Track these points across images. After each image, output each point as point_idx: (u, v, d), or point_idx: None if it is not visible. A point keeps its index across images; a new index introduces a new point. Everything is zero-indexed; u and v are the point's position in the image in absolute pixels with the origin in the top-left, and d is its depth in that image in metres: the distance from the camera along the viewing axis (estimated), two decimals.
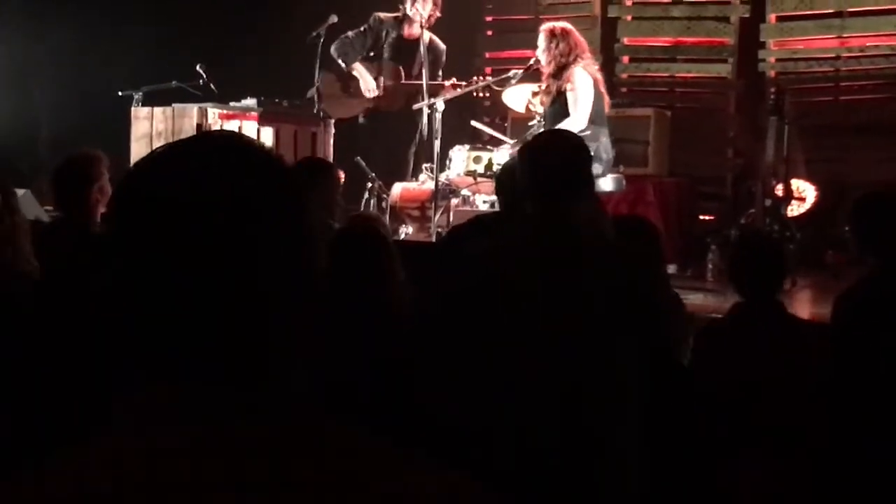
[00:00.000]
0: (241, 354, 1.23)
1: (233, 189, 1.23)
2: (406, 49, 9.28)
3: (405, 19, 9.26)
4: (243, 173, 1.26)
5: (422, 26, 9.02)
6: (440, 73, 9.29)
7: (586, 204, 3.18)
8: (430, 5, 9.08)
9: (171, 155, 1.29)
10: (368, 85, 9.31)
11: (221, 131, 1.35)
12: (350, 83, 9.38)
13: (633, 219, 4.96)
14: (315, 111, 9.24)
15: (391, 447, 1.24)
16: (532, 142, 3.44)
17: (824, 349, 4.20)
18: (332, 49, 9.32)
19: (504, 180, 5.08)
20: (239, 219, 1.22)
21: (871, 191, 4.65)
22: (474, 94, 9.09)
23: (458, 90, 8.87)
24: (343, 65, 9.34)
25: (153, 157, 1.29)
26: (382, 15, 9.41)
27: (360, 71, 9.33)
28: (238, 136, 1.37)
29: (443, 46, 9.33)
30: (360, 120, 9.49)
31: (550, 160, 3.13)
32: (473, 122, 9.15)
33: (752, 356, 4.09)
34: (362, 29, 9.41)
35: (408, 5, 9.15)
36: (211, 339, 1.22)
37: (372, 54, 9.40)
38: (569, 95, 7.85)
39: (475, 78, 9.12)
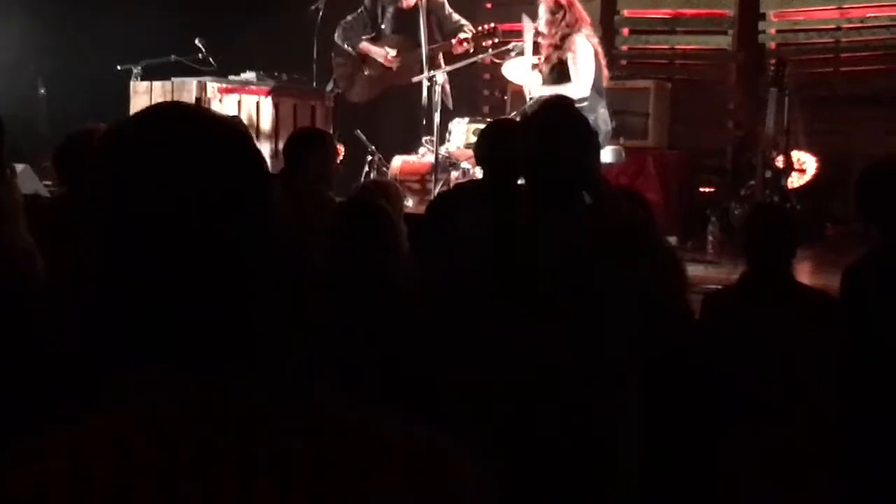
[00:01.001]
0: (226, 330, 1.23)
1: (195, 165, 1.23)
2: (407, 19, 9.20)
3: None
4: (205, 149, 1.25)
5: None
6: (456, 19, 9.19)
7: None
8: None
9: (136, 134, 1.28)
10: (382, 55, 9.25)
11: (177, 104, 1.33)
12: (362, 66, 9.34)
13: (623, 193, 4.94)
14: (330, 90, 9.23)
15: (382, 414, 1.25)
16: (537, 120, 3.39)
17: (836, 319, 4.19)
18: (336, 37, 9.31)
19: (484, 148, 5.06)
20: (206, 194, 1.22)
21: (877, 161, 4.61)
22: (482, 43, 9.03)
23: (463, 51, 8.79)
24: (350, 49, 9.30)
25: (118, 137, 1.29)
26: None
27: (368, 48, 9.29)
28: (195, 110, 1.37)
29: (441, 0, 9.23)
30: (375, 96, 9.42)
31: (558, 147, 3.11)
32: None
33: (762, 325, 4.09)
34: (359, 10, 9.37)
35: None
36: (195, 316, 1.22)
37: (374, 34, 9.35)
38: (569, 61, 7.83)
39: (480, 29, 9.01)
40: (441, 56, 8.89)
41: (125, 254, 1.23)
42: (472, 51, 8.90)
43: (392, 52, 9.19)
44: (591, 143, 3.22)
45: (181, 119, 1.29)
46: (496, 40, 8.86)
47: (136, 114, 1.32)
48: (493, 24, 9.02)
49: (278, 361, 1.26)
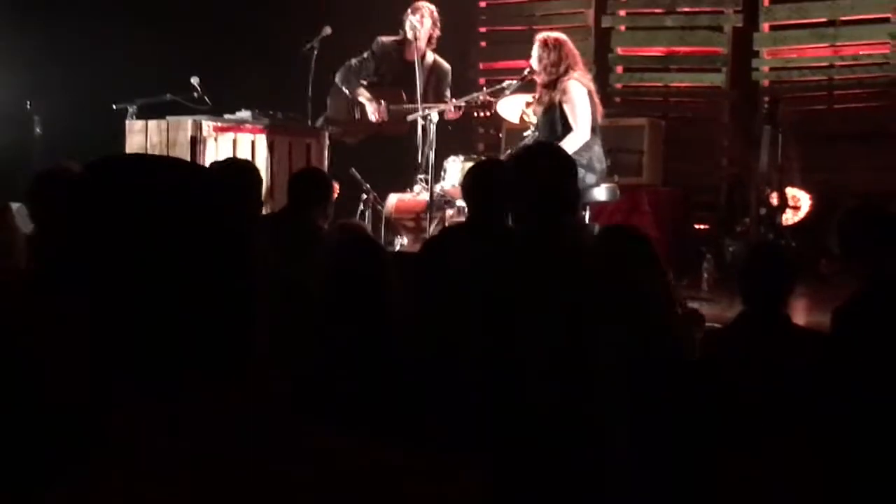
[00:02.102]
0: (211, 357, 1.24)
1: (167, 206, 1.25)
2: (408, 72, 9.25)
3: (406, 42, 9.26)
4: (177, 189, 1.27)
5: (418, 49, 9.01)
6: (447, 92, 9.26)
7: (570, 217, 3.15)
8: (428, 23, 9.08)
9: (117, 180, 1.30)
10: (371, 109, 9.30)
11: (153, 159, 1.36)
12: (356, 109, 9.38)
13: (623, 227, 4.96)
14: (314, 126, 9.27)
15: (363, 443, 1.26)
16: (519, 156, 3.41)
17: (827, 362, 4.21)
18: (337, 78, 9.37)
19: (471, 186, 5.07)
20: (180, 233, 1.23)
21: (855, 205, 4.68)
22: (474, 113, 9.11)
23: (460, 111, 8.85)
24: (347, 92, 9.34)
25: (99, 182, 1.30)
26: (384, 39, 9.41)
27: (363, 95, 9.33)
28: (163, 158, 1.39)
29: (447, 67, 9.32)
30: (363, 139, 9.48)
31: (539, 176, 3.11)
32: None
33: (758, 365, 4.10)
34: (365, 55, 9.43)
35: (406, 27, 9.15)
36: (181, 343, 1.23)
37: (375, 79, 9.40)
38: (566, 108, 7.87)
39: (474, 100, 9.06)
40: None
41: (104, 294, 1.23)
42: (461, 115, 8.96)
43: (379, 108, 9.23)
44: (571, 173, 3.22)
45: (161, 167, 1.31)
46: (489, 113, 8.94)
47: (124, 156, 1.34)
48: (488, 97, 9.08)
49: (261, 387, 1.27)
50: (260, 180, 6.11)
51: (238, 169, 5.93)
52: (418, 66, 8.91)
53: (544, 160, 3.25)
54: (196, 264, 1.24)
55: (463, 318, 2.99)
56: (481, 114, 9.02)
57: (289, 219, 5.79)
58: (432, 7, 9.14)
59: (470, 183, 5.07)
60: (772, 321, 4.23)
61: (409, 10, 9.17)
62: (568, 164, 3.23)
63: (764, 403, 4.05)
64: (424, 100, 8.88)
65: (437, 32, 9.16)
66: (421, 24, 9.04)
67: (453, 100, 9.00)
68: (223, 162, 6.85)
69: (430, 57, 9.19)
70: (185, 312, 1.23)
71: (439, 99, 9.07)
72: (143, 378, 1.24)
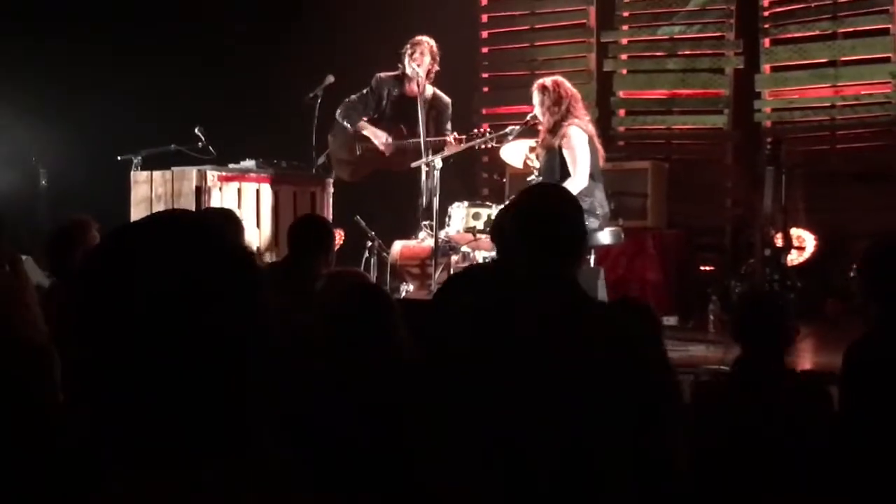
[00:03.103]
0: (215, 427, 1.24)
1: (187, 274, 1.25)
2: (409, 106, 9.26)
3: (405, 77, 9.28)
4: (197, 257, 1.27)
5: (419, 84, 9.03)
6: (448, 126, 9.27)
7: (576, 262, 3.11)
8: (427, 59, 9.09)
9: (128, 241, 1.31)
10: (381, 139, 9.28)
11: (176, 212, 1.36)
12: (356, 146, 9.38)
13: (629, 300, 4.94)
14: (314, 171, 9.29)
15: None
16: (522, 198, 3.37)
17: (827, 404, 4.19)
18: (338, 114, 9.37)
19: (495, 229, 5.09)
20: (195, 302, 1.24)
21: (880, 239, 4.63)
22: (476, 147, 9.11)
23: (462, 145, 8.85)
24: (349, 127, 9.36)
25: (112, 246, 1.31)
26: (383, 74, 9.42)
27: (367, 129, 9.34)
28: (191, 217, 1.39)
29: (447, 100, 9.31)
30: (365, 176, 9.46)
31: (540, 218, 3.08)
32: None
33: (751, 412, 4.09)
34: (364, 91, 9.43)
35: (406, 62, 9.18)
36: (183, 413, 1.23)
37: (376, 115, 9.41)
38: (566, 154, 7.90)
39: (476, 131, 9.08)
40: (431, 149, 8.92)
41: (113, 349, 1.24)
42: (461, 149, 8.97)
43: (387, 138, 9.25)
44: (575, 212, 3.17)
45: (174, 228, 1.31)
46: (490, 145, 8.95)
47: (134, 223, 1.35)
48: (486, 127, 9.10)
49: (264, 454, 1.27)
50: (241, 226, 6.12)
51: (218, 217, 5.94)
52: (420, 101, 8.93)
53: (543, 202, 3.21)
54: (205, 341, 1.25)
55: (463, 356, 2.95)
56: (485, 146, 8.99)
57: (290, 268, 5.79)
58: (431, 42, 9.15)
59: (493, 226, 5.09)
60: (766, 366, 4.22)
61: (408, 45, 9.19)
62: (571, 205, 3.19)
63: (762, 453, 4.03)
64: (426, 133, 8.89)
65: (437, 67, 9.16)
66: (421, 60, 9.05)
67: (455, 133, 9.02)
68: (201, 213, 6.89)
69: (430, 90, 9.19)
70: (188, 388, 1.24)
71: (440, 132, 9.08)
72: (141, 454, 1.24)
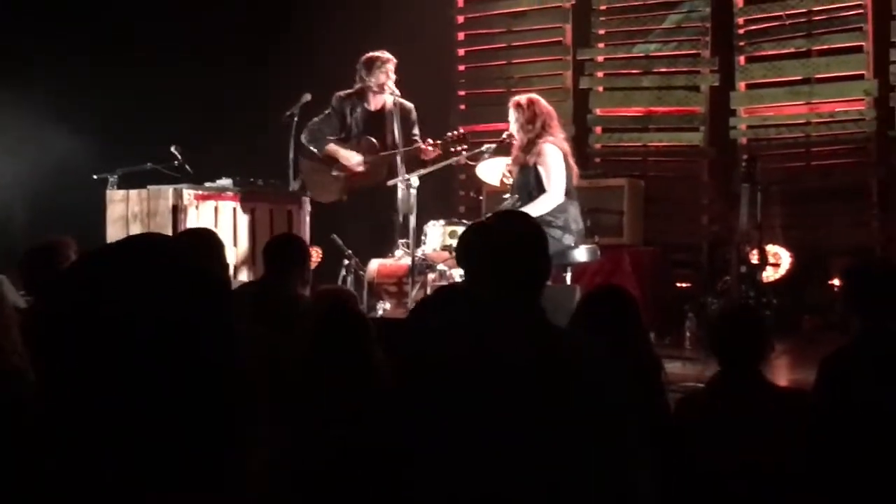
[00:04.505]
0: (191, 458, 1.23)
1: (156, 302, 1.24)
2: (375, 120, 9.24)
3: (364, 92, 9.24)
4: (166, 285, 1.27)
5: (395, 98, 9.01)
6: (416, 131, 9.23)
7: (539, 290, 3.09)
8: (381, 75, 9.06)
9: (96, 268, 1.30)
10: (351, 159, 9.20)
11: (148, 237, 1.35)
12: (329, 167, 9.32)
13: (608, 288, 4.96)
14: (291, 190, 9.27)
15: None
16: (485, 225, 3.35)
17: (805, 418, 4.22)
18: (303, 139, 9.27)
19: (460, 252, 5.07)
20: (164, 330, 1.23)
21: (862, 259, 4.76)
22: (452, 164, 9.10)
23: (438, 163, 8.83)
24: (317, 152, 9.30)
25: (82, 274, 1.30)
26: (342, 93, 9.33)
27: (335, 150, 9.27)
28: (164, 243, 1.38)
29: (410, 105, 9.21)
30: (343, 198, 9.41)
31: (503, 247, 3.06)
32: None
33: (731, 427, 4.10)
34: (327, 112, 9.37)
35: (363, 76, 9.14)
36: (159, 444, 1.22)
37: (343, 135, 9.36)
38: (541, 170, 7.93)
39: (450, 134, 9.05)
40: (404, 161, 8.91)
41: (78, 377, 1.23)
42: (440, 153, 8.93)
43: (358, 158, 9.20)
44: (541, 245, 3.16)
45: (147, 251, 1.31)
46: (465, 146, 8.91)
47: (108, 245, 1.34)
48: (461, 131, 9.09)
49: (241, 489, 1.26)
50: (221, 244, 6.10)
51: (198, 237, 5.92)
52: (395, 113, 8.91)
53: (503, 228, 3.20)
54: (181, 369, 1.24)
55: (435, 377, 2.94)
56: (457, 148, 8.95)
57: (266, 286, 5.78)
58: (388, 55, 9.12)
59: (458, 247, 5.08)
60: (744, 381, 4.24)
61: (363, 61, 9.15)
62: (533, 236, 3.17)
63: (738, 466, 4.04)
64: (395, 143, 8.87)
65: (393, 77, 9.10)
66: (387, 74, 9.03)
67: (428, 139, 8.99)
68: (176, 237, 6.88)
69: (390, 100, 9.15)
70: (164, 421, 1.23)
71: (409, 139, 9.05)
72: (112, 489, 1.23)
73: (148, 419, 1.22)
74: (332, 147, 9.26)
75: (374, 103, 9.23)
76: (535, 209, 7.66)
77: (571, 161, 8.12)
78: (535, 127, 8.01)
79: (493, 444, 2.70)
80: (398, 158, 8.77)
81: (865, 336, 4.39)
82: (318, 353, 3.97)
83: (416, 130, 9.19)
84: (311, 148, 9.29)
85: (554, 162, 7.92)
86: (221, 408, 1.27)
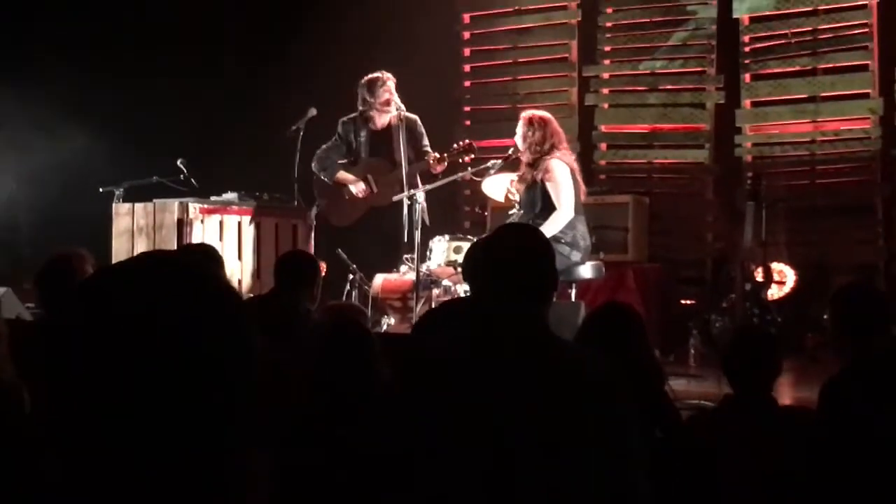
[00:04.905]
0: (188, 478, 1.23)
1: (173, 317, 1.25)
2: (382, 139, 9.22)
3: (367, 113, 9.21)
4: (182, 300, 1.27)
5: (400, 116, 8.98)
6: (425, 142, 9.19)
7: (547, 303, 3.09)
8: (384, 93, 9.03)
9: (115, 283, 1.30)
10: (357, 188, 9.18)
11: (163, 253, 1.36)
12: (344, 190, 9.26)
13: (612, 305, 4.97)
14: (315, 215, 9.25)
15: None
16: (492, 238, 3.35)
17: (815, 440, 4.21)
18: (313, 166, 9.23)
19: (467, 266, 5.09)
20: (182, 345, 1.23)
21: (847, 282, 4.75)
22: (458, 180, 9.11)
23: (442, 170, 8.82)
24: (327, 180, 9.26)
25: (97, 288, 1.30)
26: (346, 118, 9.29)
27: (344, 178, 9.22)
28: (177, 259, 1.38)
29: (414, 117, 9.12)
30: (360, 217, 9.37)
31: (510, 259, 3.06)
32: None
33: (743, 450, 4.09)
34: (334, 138, 9.33)
35: (366, 96, 9.11)
36: (154, 464, 1.22)
37: (351, 158, 9.34)
38: (549, 188, 7.92)
39: (456, 145, 9.03)
40: (418, 175, 8.90)
41: (99, 383, 1.23)
42: (446, 166, 8.92)
43: (362, 187, 9.16)
44: (549, 259, 3.16)
45: (163, 266, 1.31)
46: (472, 157, 8.90)
47: (124, 261, 1.34)
48: (468, 141, 9.08)
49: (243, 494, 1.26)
50: (221, 260, 6.10)
51: (196, 253, 5.92)
52: (402, 130, 8.88)
53: (512, 241, 3.20)
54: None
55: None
56: (465, 158, 8.94)
57: (275, 301, 5.78)
58: (387, 73, 9.09)
59: (465, 263, 5.08)
60: (758, 404, 4.24)
61: (365, 83, 9.11)
62: (542, 247, 3.17)
63: (751, 488, 4.04)
64: (408, 160, 8.83)
65: (394, 96, 9.05)
66: (389, 91, 9.00)
67: (435, 154, 8.96)
68: (181, 250, 6.88)
69: (395, 116, 9.10)
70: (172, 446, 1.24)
71: (419, 153, 9.02)
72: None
73: (157, 431, 1.22)
74: (341, 176, 9.21)
75: (379, 122, 9.19)
76: (549, 228, 7.64)
77: (579, 178, 8.11)
78: (543, 147, 8.01)
79: (493, 448, 2.70)
80: (403, 176, 8.74)
81: (862, 355, 4.39)
82: (323, 369, 3.98)
83: (425, 141, 9.16)
84: (322, 177, 9.23)
85: (562, 178, 7.91)
86: (232, 422, 1.27)
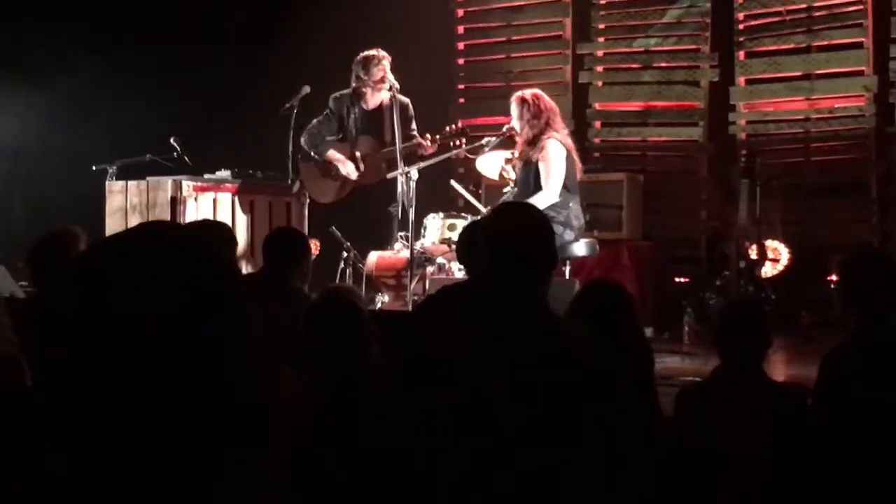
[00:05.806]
0: (180, 468, 1.23)
1: (167, 293, 1.24)
2: (373, 118, 9.20)
3: (361, 91, 9.20)
4: (178, 275, 1.26)
5: (394, 95, 8.94)
6: (413, 126, 9.15)
7: (546, 282, 3.08)
8: (379, 71, 8.99)
9: (108, 260, 1.29)
10: (347, 168, 9.13)
11: (158, 226, 1.34)
12: (329, 168, 9.22)
13: (602, 283, 4.97)
14: (294, 192, 9.22)
15: None
16: (491, 218, 3.34)
17: (805, 415, 4.22)
18: (302, 142, 9.14)
19: (463, 247, 5.08)
20: (175, 322, 1.22)
21: (855, 248, 4.70)
22: (452, 157, 9.08)
23: (437, 157, 8.80)
24: (317, 157, 9.21)
25: (90, 265, 1.29)
26: (338, 94, 9.24)
27: (334, 157, 9.19)
28: (171, 233, 1.36)
29: (406, 100, 9.11)
30: (342, 196, 9.34)
31: (510, 240, 3.04)
32: (452, 182, 9.06)
33: (733, 422, 4.10)
34: (325, 114, 9.29)
35: (354, 77, 9.09)
36: (151, 451, 1.21)
37: (341, 135, 9.31)
38: (541, 167, 7.91)
39: (449, 128, 9.03)
40: (402, 157, 8.85)
41: (94, 362, 1.22)
42: (436, 149, 8.89)
43: (352, 167, 9.12)
44: (545, 232, 3.14)
45: (159, 240, 1.30)
46: (465, 139, 8.88)
47: (117, 235, 1.32)
48: (461, 124, 9.06)
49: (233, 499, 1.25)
50: (234, 239, 6.07)
51: (211, 229, 5.90)
52: (395, 108, 8.83)
53: (511, 221, 3.18)
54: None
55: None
56: (456, 142, 8.92)
57: (266, 280, 5.75)
58: (383, 51, 9.05)
59: (459, 244, 5.08)
60: (747, 376, 4.24)
61: (360, 60, 9.07)
62: (541, 226, 3.15)
63: (742, 460, 4.05)
64: (395, 139, 8.80)
65: (388, 73, 9.01)
66: (384, 69, 8.96)
67: (427, 135, 8.94)
68: (195, 225, 6.83)
69: (387, 96, 9.08)
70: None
71: (406, 137, 8.98)
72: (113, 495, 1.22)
73: (153, 411, 1.21)
74: (332, 154, 9.15)
75: (371, 101, 9.16)
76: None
77: (575, 156, 8.10)
78: (539, 123, 7.99)
79: (496, 438, 2.70)
80: (397, 154, 8.70)
81: (865, 330, 4.37)
82: (313, 341, 3.98)
83: (413, 126, 9.14)
84: (312, 154, 9.18)
85: (555, 159, 7.90)
86: (228, 401, 1.26)
